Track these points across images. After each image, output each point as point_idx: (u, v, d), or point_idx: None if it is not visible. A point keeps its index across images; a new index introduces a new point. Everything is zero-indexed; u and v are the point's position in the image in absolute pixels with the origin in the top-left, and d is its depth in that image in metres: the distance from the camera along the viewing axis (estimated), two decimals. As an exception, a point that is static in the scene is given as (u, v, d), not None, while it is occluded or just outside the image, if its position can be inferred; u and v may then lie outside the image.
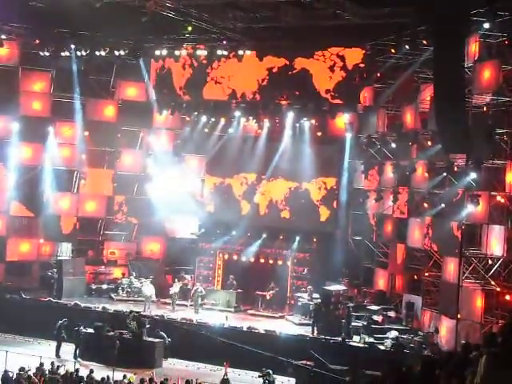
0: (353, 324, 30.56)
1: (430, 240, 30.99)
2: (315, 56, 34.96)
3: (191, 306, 34.60)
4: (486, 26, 26.66)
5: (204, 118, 38.03)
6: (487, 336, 21.35)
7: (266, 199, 38.56)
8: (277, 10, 30.52)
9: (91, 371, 24.51)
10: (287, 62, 35.46)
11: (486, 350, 12.08)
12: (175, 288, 34.93)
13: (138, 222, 39.65)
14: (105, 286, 37.12)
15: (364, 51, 34.05)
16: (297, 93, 35.61)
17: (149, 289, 34.81)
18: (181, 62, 37.01)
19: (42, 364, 25.22)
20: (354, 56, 34.39)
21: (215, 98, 37.07)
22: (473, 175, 27.69)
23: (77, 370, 25.05)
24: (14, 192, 37.17)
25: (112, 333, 30.08)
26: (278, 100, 36.30)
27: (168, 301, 35.37)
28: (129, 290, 36.60)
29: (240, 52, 34.53)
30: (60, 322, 30.68)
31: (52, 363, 25.42)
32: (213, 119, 38.02)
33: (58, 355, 29.89)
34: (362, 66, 34.33)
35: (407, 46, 30.91)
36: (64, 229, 38.37)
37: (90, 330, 30.44)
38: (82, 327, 30.42)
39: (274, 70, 35.75)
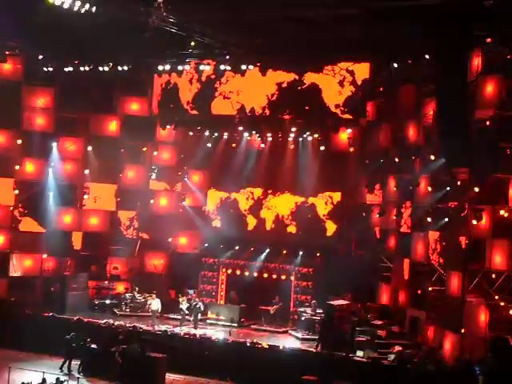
0: (356, 339, 30.46)
1: (438, 254, 30.89)
2: (325, 71, 35.04)
3: (193, 321, 34.49)
4: (488, 40, 26.68)
5: (207, 133, 38.15)
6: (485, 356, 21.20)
7: (272, 214, 38.58)
8: (279, 25, 30.56)
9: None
10: (297, 77, 35.53)
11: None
12: (184, 304, 34.79)
13: (149, 238, 39.63)
14: (108, 301, 37.08)
15: (367, 65, 34.18)
16: (306, 108, 35.62)
17: (155, 303, 34.80)
18: (188, 76, 37.12)
19: (44, 380, 25.14)
20: (363, 71, 34.52)
21: (223, 113, 37.14)
22: (476, 189, 27.62)
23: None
24: (24, 207, 37.35)
25: (114, 348, 30.01)
26: (282, 115, 36.37)
27: (172, 316, 35.37)
28: (132, 304, 36.57)
29: (243, 67, 34.57)
30: (67, 336, 30.63)
31: (57, 379, 25.31)
32: (216, 134, 38.13)
33: (62, 369, 29.79)
34: (366, 80, 34.45)
35: (410, 61, 31.02)
36: (67, 244, 38.34)
37: (94, 346, 30.37)
38: (88, 342, 30.36)
39: (284, 85, 35.82)
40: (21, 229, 37.83)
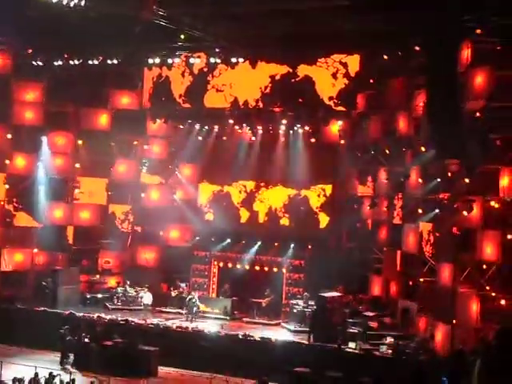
0: (348, 330, 30.54)
1: (429, 246, 30.95)
2: (318, 63, 35.05)
3: (186, 314, 34.49)
4: (478, 31, 26.71)
5: (198, 126, 38.14)
6: (482, 341, 21.45)
7: (265, 207, 38.60)
8: (269, 18, 30.54)
9: (92, 383, 24.42)
10: (290, 70, 35.50)
11: (480, 355, 12.13)
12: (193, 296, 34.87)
13: (140, 231, 39.64)
14: (100, 295, 37.06)
15: (359, 57, 34.22)
16: (300, 100, 35.62)
17: (147, 297, 34.81)
18: (180, 69, 37.04)
19: (36, 374, 25.12)
20: (356, 63, 34.56)
21: (216, 106, 37.11)
22: (466, 180, 27.69)
23: (73, 380, 24.99)
24: (18, 202, 37.47)
25: (108, 342, 30.06)
26: (272, 107, 36.38)
27: (164, 309, 35.54)
28: (124, 298, 36.57)
29: (233, 60, 34.55)
30: (61, 330, 30.66)
31: (50, 373, 25.30)
32: (206, 127, 38.13)
33: (62, 364, 29.85)
34: (357, 72, 34.50)
35: (400, 52, 31.05)
36: (59, 238, 38.31)
37: (86, 340, 30.39)
38: (82, 336, 30.39)
39: (277, 78, 35.79)
40: (15, 223, 37.76)
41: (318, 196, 37.56)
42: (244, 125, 37.41)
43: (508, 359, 21.71)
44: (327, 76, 35.01)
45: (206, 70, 36.53)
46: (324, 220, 37.45)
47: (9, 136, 37.11)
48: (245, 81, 36.27)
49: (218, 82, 36.88)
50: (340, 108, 35.19)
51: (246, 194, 38.98)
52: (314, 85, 35.19)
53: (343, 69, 34.70)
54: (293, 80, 35.59)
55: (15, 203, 37.74)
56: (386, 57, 31.84)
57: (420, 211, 31.07)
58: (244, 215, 38.99)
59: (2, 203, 37.29)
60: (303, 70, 35.36)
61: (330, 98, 35.07)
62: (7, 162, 37.17)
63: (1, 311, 33.99)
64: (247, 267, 36.97)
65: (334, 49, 34.21)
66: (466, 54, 27.50)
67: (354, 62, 34.67)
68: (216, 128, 38.12)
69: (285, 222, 38.27)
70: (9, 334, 32.35)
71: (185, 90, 37.61)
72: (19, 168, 37.76)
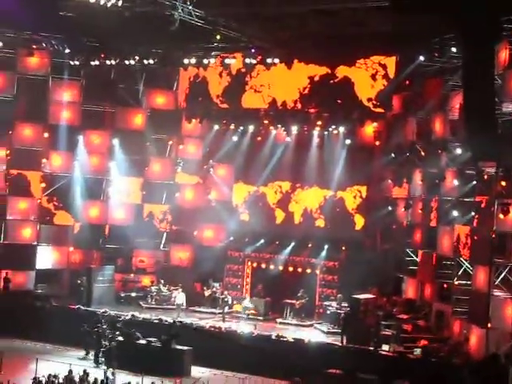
0: (382, 333, 30.42)
1: (464, 248, 30.71)
2: (357, 64, 34.95)
3: (219, 314, 34.57)
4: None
5: (232, 126, 38.19)
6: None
7: (300, 208, 38.56)
8: (304, 19, 30.52)
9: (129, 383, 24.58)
10: (329, 71, 35.41)
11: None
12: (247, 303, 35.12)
13: (175, 231, 39.81)
14: (134, 294, 37.27)
15: (395, 59, 34.12)
16: (339, 101, 35.52)
17: (180, 297, 34.96)
18: (217, 70, 37.08)
19: (70, 371, 25.31)
20: (394, 64, 34.51)
21: (254, 107, 37.12)
22: (503, 183, 27.45)
23: (107, 378, 25.14)
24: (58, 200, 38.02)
25: (142, 341, 30.21)
26: (308, 108, 36.32)
27: (197, 308, 35.68)
28: (157, 297, 36.74)
29: (268, 60, 34.56)
30: (96, 328, 30.91)
31: (84, 371, 25.49)
32: (241, 127, 38.16)
33: (97, 362, 30.14)
34: (394, 73, 34.40)
35: (436, 54, 30.89)
36: (94, 237, 38.61)
37: (120, 338, 30.57)
38: (115, 334, 30.61)
39: (316, 79, 35.72)
40: (56, 222, 38.13)
41: (354, 197, 37.43)
42: (279, 125, 37.38)
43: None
44: (366, 77, 34.90)
45: (243, 70, 36.54)
46: (360, 222, 37.32)
47: (46, 135, 37.51)
48: (283, 82, 36.31)
49: (256, 82, 36.94)
50: (379, 110, 35.03)
51: (282, 194, 38.93)
52: (352, 86, 35.09)
53: (382, 70, 34.64)
54: (331, 81, 35.50)
55: (55, 202, 38.13)
56: (422, 58, 31.67)
57: (455, 214, 30.86)
58: (279, 216, 38.96)
59: (39, 201, 37.65)
60: (342, 72, 35.26)
61: (369, 100, 35.01)
62: (44, 160, 37.57)
63: (36, 309, 34.29)
64: (281, 268, 36.93)
65: (373, 50, 34.13)
66: (504, 55, 27.26)
67: (392, 64, 34.61)
68: (251, 128, 38.11)
69: (320, 223, 38.16)
70: (44, 332, 32.64)
71: (222, 91, 37.67)
72: (56, 167, 38.13)
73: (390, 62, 34.60)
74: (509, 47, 27.18)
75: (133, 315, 33.38)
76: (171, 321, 32.62)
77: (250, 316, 34.50)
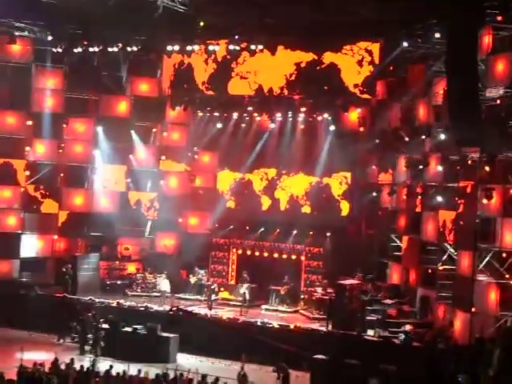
0: (367, 318, 30.55)
1: (448, 233, 30.83)
2: (343, 50, 34.88)
3: (205, 301, 34.62)
4: (499, 18, 26.53)
5: (217, 113, 38.12)
6: (502, 329, 21.39)
7: (286, 194, 38.60)
8: (289, 6, 30.46)
9: (111, 367, 24.55)
10: (315, 57, 35.33)
11: (499, 343, 12.08)
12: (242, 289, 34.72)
13: (160, 218, 39.79)
14: (119, 282, 37.27)
15: (379, 45, 34.12)
16: (325, 88, 35.45)
17: (164, 283, 34.99)
18: (203, 57, 36.89)
19: (56, 359, 25.27)
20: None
21: (240, 93, 37.01)
22: (486, 168, 27.56)
23: (93, 366, 25.13)
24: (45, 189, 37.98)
25: (128, 328, 30.23)
26: (296, 95, 36.26)
27: (183, 296, 35.71)
28: (143, 285, 36.75)
29: (252, 47, 34.49)
30: (81, 316, 30.91)
31: (72, 359, 25.45)
32: (225, 114, 38.09)
33: (82, 350, 30.18)
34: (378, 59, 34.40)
35: (420, 40, 30.92)
36: (78, 225, 38.51)
37: (105, 326, 30.58)
38: (101, 322, 30.62)
39: (302, 65, 35.62)
40: (42, 210, 38.10)
41: (340, 184, 37.51)
42: (263, 112, 37.34)
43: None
44: (353, 63, 34.85)
45: (229, 57, 36.41)
46: (346, 208, 37.44)
47: (29, 123, 37.32)
48: (270, 68, 36.13)
49: (243, 69, 36.69)
50: (365, 96, 35.01)
51: (268, 181, 38.97)
52: (339, 72, 35.02)
53: (368, 56, 34.54)
54: (318, 67, 35.43)
55: (42, 190, 37.99)
56: (406, 44, 31.70)
57: (439, 199, 30.97)
58: (265, 203, 39.01)
59: (23, 190, 37.50)
60: (329, 58, 35.18)
61: (356, 86, 34.93)
62: (27, 148, 37.41)
63: (21, 297, 34.21)
64: (266, 254, 37.02)
65: (357, 36, 34.04)
66: (487, 40, 27.28)
67: (378, 50, 34.53)
68: (235, 115, 38.06)
69: (306, 209, 38.25)
70: (29, 320, 32.58)
71: (208, 78, 37.47)
72: (39, 155, 37.96)
73: (376, 48, 34.55)
74: (492, 32, 27.21)
75: (118, 302, 33.41)
76: (168, 308, 32.74)
77: (246, 304, 34.43)
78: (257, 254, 37.22)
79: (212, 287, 34.63)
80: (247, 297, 34.42)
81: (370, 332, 29.53)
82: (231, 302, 35.24)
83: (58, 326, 31.79)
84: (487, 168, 27.48)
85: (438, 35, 29.55)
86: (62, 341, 31.70)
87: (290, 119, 37.25)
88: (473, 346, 26.33)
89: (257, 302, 35.22)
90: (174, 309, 32.54)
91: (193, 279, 36.44)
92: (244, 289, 34.52)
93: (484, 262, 27.73)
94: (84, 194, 39.06)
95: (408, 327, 29.60)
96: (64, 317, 31.67)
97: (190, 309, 33.12)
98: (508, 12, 26.29)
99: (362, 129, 36.46)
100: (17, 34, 35.77)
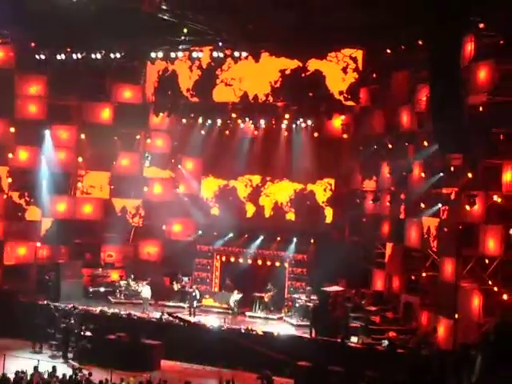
0: (351, 325, 30.56)
1: (431, 240, 30.88)
2: (328, 57, 34.90)
3: (188, 308, 34.54)
4: (481, 25, 26.69)
5: (201, 120, 38.11)
6: (482, 337, 21.39)
7: (271, 201, 38.64)
8: (272, 12, 30.50)
9: (90, 374, 24.47)
10: (300, 64, 35.33)
11: (481, 349, 12.11)
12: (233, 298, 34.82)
13: (143, 225, 39.74)
14: (102, 289, 37.10)
15: (362, 52, 34.20)
16: (310, 94, 35.44)
17: (145, 290, 34.90)
18: (187, 64, 36.81)
19: (36, 368, 25.18)
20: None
21: (225, 100, 36.97)
22: (469, 175, 27.67)
23: (75, 373, 25.02)
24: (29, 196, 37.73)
25: (111, 335, 30.12)
26: (281, 102, 36.27)
27: (166, 303, 35.67)
28: (126, 292, 36.64)
29: (236, 54, 34.52)
30: (64, 324, 30.76)
31: (53, 367, 25.35)
32: (209, 121, 38.09)
33: (65, 358, 30.04)
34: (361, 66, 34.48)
35: (403, 47, 31.02)
36: (61, 232, 38.33)
37: (88, 333, 30.45)
38: (83, 329, 30.48)
39: (287, 72, 35.61)
40: (27, 218, 37.90)
41: (325, 190, 37.60)
42: (247, 119, 37.35)
43: (506, 352, 21.75)
44: (337, 70, 34.87)
45: (213, 64, 36.35)
46: (330, 214, 37.52)
47: (12, 130, 37.15)
48: (254, 75, 36.09)
49: (227, 76, 36.60)
50: (350, 103, 35.04)
51: (252, 188, 39.01)
52: (324, 79, 35.04)
53: (353, 63, 34.57)
54: (303, 74, 35.43)
55: (27, 197, 37.80)
56: (389, 51, 31.80)
57: (423, 206, 31.05)
58: (250, 210, 39.04)
59: (5, 196, 37.32)
60: (314, 65, 35.19)
61: (341, 93, 34.94)
62: (10, 155, 37.23)
63: (3, 304, 34.00)
64: (249, 261, 37.02)
65: (340, 43, 34.08)
66: (469, 48, 27.49)
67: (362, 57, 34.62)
68: (219, 122, 38.05)
69: (291, 216, 38.32)
70: (11, 328, 32.39)
71: (193, 84, 37.38)
72: (22, 161, 37.79)
73: (361, 55, 34.63)
74: (474, 39, 27.37)
75: (101, 310, 33.30)
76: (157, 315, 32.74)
77: (237, 312, 34.48)
78: (240, 260, 37.16)
79: (193, 294, 34.55)
80: (236, 306, 34.46)
81: (354, 339, 29.54)
82: (215, 309, 35.14)
83: (39, 334, 31.58)
84: (470, 175, 27.61)
85: (420, 42, 29.65)
86: (39, 348, 31.41)
87: (274, 126, 37.24)
88: (457, 352, 26.38)
89: (241, 310, 35.15)
90: (166, 316, 32.30)
91: (176, 286, 36.35)
92: (234, 298, 34.54)
93: (467, 269, 27.82)
94: (67, 201, 38.88)
95: (392, 334, 29.61)
96: (43, 324, 31.48)
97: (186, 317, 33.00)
98: (489, 19, 26.45)
99: (345, 136, 36.51)
100: (-1, 40, 35.70)
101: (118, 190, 39.29)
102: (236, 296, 34.70)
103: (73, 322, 30.96)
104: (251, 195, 39.05)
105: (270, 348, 28.80)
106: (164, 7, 29.88)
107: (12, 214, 37.60)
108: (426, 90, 29.37)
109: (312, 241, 36.51)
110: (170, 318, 31.99)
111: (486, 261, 27.65)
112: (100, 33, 33.63)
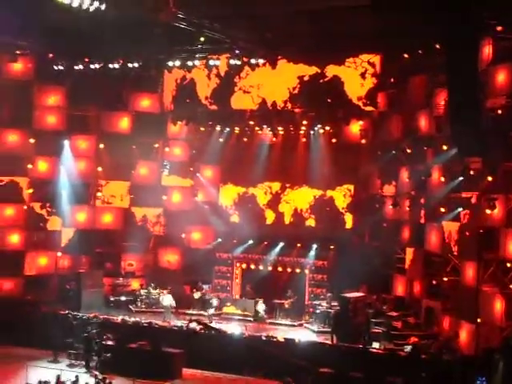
0: (372, 330, 30.46)
1: (452, 244, 30.74)
2: (346, 63, 34.87)
3: (209, 316, 34.55)
4: (499, 28, 26.58)
5: (218, 128, 38.16)
6: (504, 342, 21.27)
7: (290, 208, 38.63)
8: (289, 20, 30.53)
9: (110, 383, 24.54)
10: (318, 70, 35.31)
11: (502, 357, 12.01)
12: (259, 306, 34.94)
13: (163, 233, 39.85)
14: (123, 298, 37.20)
15: (380, 57, 34.14)
16: (329, 100, 35.41)
17: (166, 299, 34.94)
18: (205, 72, 36.86)
19: (58, 376, 25.25)
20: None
21: (244, 108, 37.00)
22: (489, 178, 27.54)
23: (97, 383, 25.08)
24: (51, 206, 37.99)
25: (132, 344, 30.15)
26: (293, 108, 36.25)
27: (187, 311, 35.71)
28: (147, 301, 36.70)
29: (253, 61, 34.53)
30: (86, 334, 30.82)
31: (76, 376, 25.41)
32: (227, 128, 38.14)
33: (87, 367, 30.01)
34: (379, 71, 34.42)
35: (420, 51, 30.94)
36: (82, 242, 38.46)
37: (110, 342, 30.50)
38: (105, 339, 30.53)
39: (306, 79, 35.61)
40: (49, 228, 38.07)
41: (344, 196, 37.57)
42: (264, 126, 37.35)
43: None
44: (356, 76, 34.81)
45: (231, 72, 36.42)
46: (350, 220, 37.46)
47: (31, 140, 37.35)
48: (273, 82, 36.08)
49: (246, 83, 36.60)
50: (369, 108, 34.96)
51: (272, 195, 39.04)
52: (342, 85, 34.98)
53: (371, 68, 34.50)
54: (321, 80, 35.38)
55: (48, 208, 37.97)
56: (406, 55, 31.72)
57: (442, 210, 30.92)
58: (270, 216, 39.06)
59: (26, 207, 37.49)
60: (332, 71, 35.14)
61: (359, 98, 34.87)
62: (30, 166, 37.41)
63: (25, 314, 34.13)
64: (270, 268, 37.00)
65: (359, 49, 34.04)
66: (487, 51, 27.37)
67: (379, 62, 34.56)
68: (237, 130, 38.09)
69: (311, 222, 38.29)
70: (33, 338, 32.48)
71: (211, 92, 37.43)
72: (42, 172, 37.98)
73: (378, 60, 34.56)
74: (492, 43, 27.26)
75: (122, 319, 33.35)
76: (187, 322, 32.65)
77: (260, 319, 34.66)
78: (261, 267, 37.14)
79: (210, 301, 34.57)
80: (263, 313, 34.61)
81: (376, 345, 29.44)
82: (236, 317, 35.13)
83: (58, 343, 31.61)
84: (490, 178, 27.47)
85: (438, 46, 29.55)
86: (58, 358, 31.37)
87: (293, 132, 37.24)
88: (479, 357, 26.23)
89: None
90: (194, 324, 32.17)
91: (196, 294, 36.37)
92: (260, 306, 34.61)
93: (488, 273, 27.67)
94: (87, 211, 39.04)
95: (413, 339, 29.48)
96: (63, 334, 31.51)
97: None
98: (507, 22, 26.33)
99: (363, 141, 36.42)
100: (18, 52, 35.88)
101: (137, 199, 39.39)
102: (261, 305, 34.68)
103: (94, 331, 30.98)
104: (271, 202, 39.06)
105: (291, 355, 28.77)
106: (181, 16, 29.88)
107: (33, 224, 37.80)
108: (444, 94, 29.29)
109: (332, 247, 36.47)
110: (197, 326, 31.91)
111: (508, 264, 27.45)
112: (117, 43, 33.73)
